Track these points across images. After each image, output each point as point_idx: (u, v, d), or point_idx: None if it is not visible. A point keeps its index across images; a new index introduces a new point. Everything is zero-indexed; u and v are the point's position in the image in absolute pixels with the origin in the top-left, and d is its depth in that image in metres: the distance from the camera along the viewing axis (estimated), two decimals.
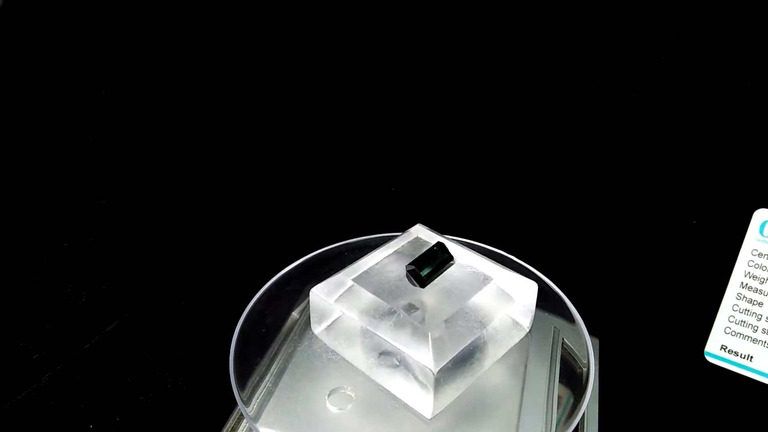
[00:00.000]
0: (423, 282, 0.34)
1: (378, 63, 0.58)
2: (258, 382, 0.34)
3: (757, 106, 0.47)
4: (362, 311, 0.33)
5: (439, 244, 0.35)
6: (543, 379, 0.35)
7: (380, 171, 0.58)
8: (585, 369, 0.36)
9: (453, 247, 0.37)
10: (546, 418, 0.33)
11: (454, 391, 0.33)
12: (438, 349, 0.31)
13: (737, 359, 0.42)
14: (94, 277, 0.51)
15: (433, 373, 0.31)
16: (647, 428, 0.41)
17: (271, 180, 0.60)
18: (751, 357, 0.42)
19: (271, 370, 0.35)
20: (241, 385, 0.34)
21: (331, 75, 0.59)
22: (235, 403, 0.38)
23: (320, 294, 0.35)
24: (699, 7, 0.48)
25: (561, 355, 0.37)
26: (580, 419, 0.35)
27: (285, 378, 0.34)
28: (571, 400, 0.34)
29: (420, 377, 0.31)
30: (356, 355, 0.34)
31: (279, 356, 0.36)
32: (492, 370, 0.35)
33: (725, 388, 0.43)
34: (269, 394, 0.34)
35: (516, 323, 0.37)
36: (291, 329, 0.38)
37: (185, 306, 0.49)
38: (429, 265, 0.34)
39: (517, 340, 0.37)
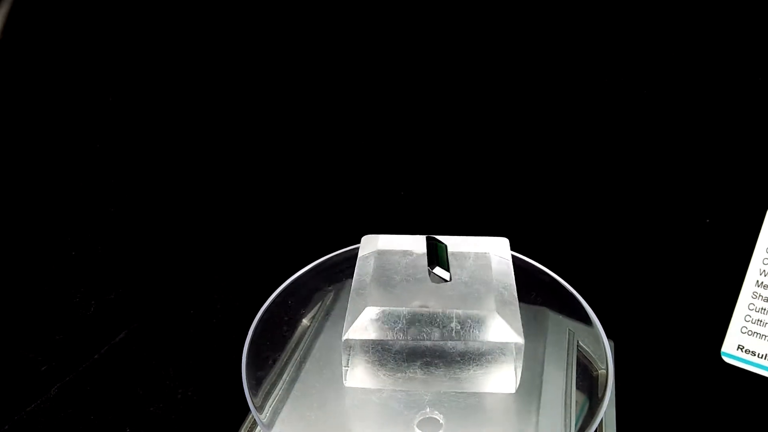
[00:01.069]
0: (449, 275, 0.35)
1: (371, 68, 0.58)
2: (270, 390, 0.34)
3: None
4: (400, 329, 0.33)
5: (430, 237, 0.36)
6: (560, 384, 0.35)
7: (380, 175, 0.58)
8: (602, 372, 0.35)
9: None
10: (565, 423, 0.32)
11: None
12: (510, 324, 0.32)
13: (755, 359, 0.42)
14: (102, 286, 0.51)
15: (522, 345, 0.32)
16: (665, 431, 0.40)
17: (279, 187, 0.60)
18: None
19: (284, 377, 0.35)
20: (254, 393, 0.33)
21: (324, 81, 0.59)
22: (247, 412, 0.38)
23: (355, 336, 0.33)
24: (709, 4, 0.48)
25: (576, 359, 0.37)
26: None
27: (298, 385, 0.34)
28: (588, 405, 0.34)
29: (499, 357, 0.32)
30: (405, 375, 0.33)
31: (291, 364, 0.36)
32: None
33: (743, 388, 0.42)
34: (282, 401, 0.33)
35: None
36: (302, 336, 0.38)
37: (194, 315, 0.49)
38: (443, 259, 0.35)
39: None
